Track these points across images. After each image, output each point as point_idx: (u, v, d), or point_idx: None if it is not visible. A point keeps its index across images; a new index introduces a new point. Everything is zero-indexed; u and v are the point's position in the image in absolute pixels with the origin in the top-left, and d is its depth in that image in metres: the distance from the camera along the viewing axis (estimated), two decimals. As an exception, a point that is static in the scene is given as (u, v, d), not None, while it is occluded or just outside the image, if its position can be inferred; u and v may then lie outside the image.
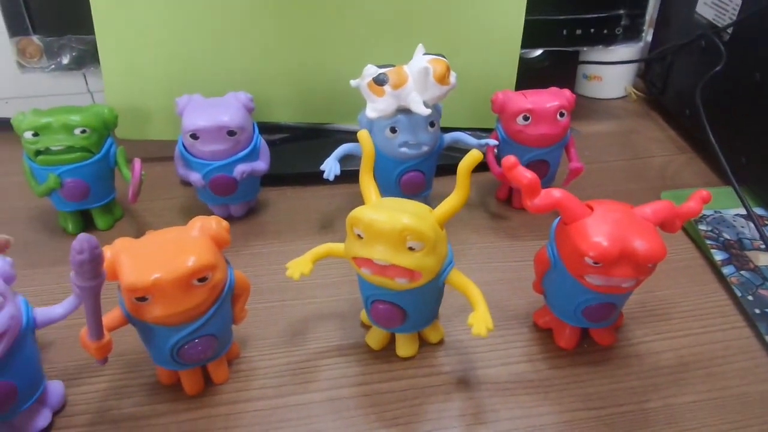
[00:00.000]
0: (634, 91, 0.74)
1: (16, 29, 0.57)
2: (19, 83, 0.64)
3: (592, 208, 0.34)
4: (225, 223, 0.33)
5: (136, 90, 0.57)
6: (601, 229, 0.33)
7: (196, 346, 0.32)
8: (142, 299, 0.30)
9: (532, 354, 0.38)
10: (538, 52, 0.67)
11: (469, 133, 0.52)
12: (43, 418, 0.34)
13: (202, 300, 0.31)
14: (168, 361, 0.33)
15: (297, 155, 0.59)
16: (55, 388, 0.35)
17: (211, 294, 0.31)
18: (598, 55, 0.71)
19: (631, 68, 0.74)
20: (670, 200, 0.35)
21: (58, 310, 0.32)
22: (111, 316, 0.31)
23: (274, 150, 0.51)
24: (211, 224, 0.32)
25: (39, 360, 0.33)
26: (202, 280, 0.30)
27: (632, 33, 0.63)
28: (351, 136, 0.51)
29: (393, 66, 0.46)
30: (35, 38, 0.57)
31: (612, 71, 0.73)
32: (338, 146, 0.49)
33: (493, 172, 0.52)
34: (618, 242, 0.32)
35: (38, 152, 0.45)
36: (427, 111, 0.44)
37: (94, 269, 0.27)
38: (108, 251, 0.30)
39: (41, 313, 0.32)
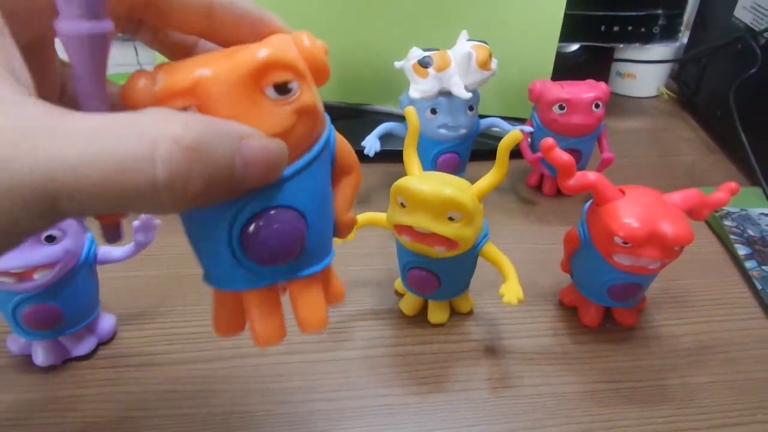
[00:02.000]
0: (667, 91, 0.75)
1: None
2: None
3: (623, 192, 0.36)
4: (321, 42, 0.20)
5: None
6: (631, 211, 0.34)
7: (271, 224, 0.19)
8: None
9: (557, 329, 0.40)
10: (575, 47, 0.69)
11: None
12: (87, 345, 0.37)
13: (283, 124, 0.18)
14: (227, 259, 0.19)
15: (336, 133, 0.61)
16: (106, 320, 0.38)
17: (300, 124, 0.19)
18: (634, 54, 0.73)
19: (665, 68, 0.75)
20: (698, 189, 0.37)
21: (116, 253, 0.36)
22: None
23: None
24: (302, 39, 0.19)
25: (93, 291, 0.36)
26: (280, 87, 0.18)
27: (669, 32, 0.64)
28: (389, 118, 0.53)
29: (437, 50, 0.48)
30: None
31: (646, 70, 0.74)
32: (377, 126, 0.51)
33: (526, 158, 0.53)
34: (647, 224, 0.34)
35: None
36: (468, 94, 0.46)
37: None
38: (141, 77, 0.18)
39: (103, 251, 0.36)
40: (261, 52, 0.18)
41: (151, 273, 0.44)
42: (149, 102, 0.17)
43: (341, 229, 0.23)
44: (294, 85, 0.18)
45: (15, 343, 0.36)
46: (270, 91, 0.18)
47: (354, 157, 0.23)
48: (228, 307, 0.21)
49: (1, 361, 0.37)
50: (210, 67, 0.18)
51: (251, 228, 0.19)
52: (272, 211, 0.19)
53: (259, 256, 0.19)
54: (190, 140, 0.15)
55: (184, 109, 0.17)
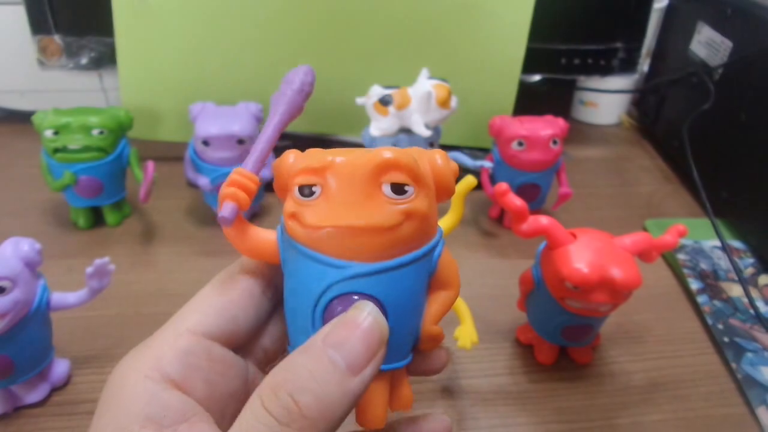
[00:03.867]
0: (628, 119, 0.77)
1: (38, 28, 0.59)
2: (38, 78, 0.66)
3: (575, 236, 0.37)
4: (453, 164, 0.22)
5: (150, 92, 0.60)
6: (582, 256, 0.35)
7: (348, 308, 0.20)
8: (308, 192, 0.20)
9: (513, 368, 0.41)
10: (538, 77, 0.70)
11: (467, 152, 0.55)
12: (40, 392, 0.36)
13: (389, 220, 0.19)
14: (308, 335, 0.20)
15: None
16: (60, 366, 0.38)
17: (406, 226, 0.20)
18: (595, 83, 0.74)
19: (627, 97, 0.77)
20: (648, 232, 0.38)
21: (70, 298, 0.36)
22: (260, 233, 0.22)
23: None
24: (435, 157, 0.22)
25: (46, 338, 0.36)
26: (396, 187, 0.20)
27: (628, 65, 0.66)
28: (354, 147, 0.53)
29: (398, 87, 0.48)
30: (56, 38, 0.60)
31: (608, 99, 0.76)
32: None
33: (487, 192, 0.54)
34: (597, 269, 0.35)
35: (56, 150, 0.48)
36: (428, 132, 0.47)
37: (308, 90, 0.23)
38: (291, 154, 0.21)
39: (56, 297, 0.35)
40: (386, 153, 0.20)
41: (109, 312, 0.44)
42: (290, 174, 0.21)
43: (425, 340, 0.22)
44: (409, 189, 0.20)
45: (-35, 391, 0.36)
46: (387, 189, 0.20)
47: (456, 276, 0.23)
48: None
49: (-50, 408, 0.36)
50: (343, 156, 0.20)
51: (331, 308, 0.20)
52: (355, 296, 0.20)
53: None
54: None
55: (310, 190, 0.20)
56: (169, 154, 0.61)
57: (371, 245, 0.20)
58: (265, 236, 0.22)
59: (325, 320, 0.20)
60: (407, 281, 0.21)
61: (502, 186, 0.37)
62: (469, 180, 0.36)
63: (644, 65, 0.76)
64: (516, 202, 0.36)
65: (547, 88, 0.70)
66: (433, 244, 0.21)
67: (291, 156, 0.21)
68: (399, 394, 0.23)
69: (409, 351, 0.22)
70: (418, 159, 0.21)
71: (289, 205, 0.20)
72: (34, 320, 0.34)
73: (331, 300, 0.20)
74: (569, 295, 0.36)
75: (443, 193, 0.21)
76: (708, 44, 0.62)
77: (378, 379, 0.21)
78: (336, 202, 0.19)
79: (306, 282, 0.20)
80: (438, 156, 0.21)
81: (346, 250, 0.20)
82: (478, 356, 0.42)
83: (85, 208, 0.52)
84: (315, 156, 0.20)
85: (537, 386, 0.40)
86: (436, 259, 0.21)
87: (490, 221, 0.57)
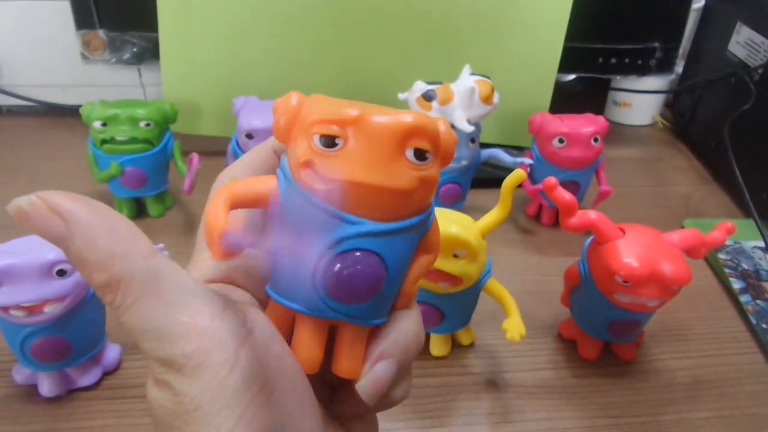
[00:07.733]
0: (662, 120, 0.77)
1: (83, 22, 0.60)
2: (78, 73, 0.67)
3: (623, 231, 0.37)
4: (455, 134, 0.21)
5: (192, 87, 0.60)
6: (632, 250, 0.35)
7: (358, 263, 0.20)
8: (330, 143, 0.19)
9: (556, 362, 0.41)
10: (572, 76, 0.70)
11: (504, 150, 0.55)
12: (93, 376, 0.37)
13: (406, 185, 0.19)
14: (304, 282, 0.20)
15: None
16: (111, 351, 0.38)
17: (418, 192, 0.20)
18: (630, 83, 0.74)
19: (661, 97, 0.77)
20: (697, 229, 0.38)
21: None
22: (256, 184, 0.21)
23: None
24: (440, 124, 0.21)
25: (101, 323, 0.37)
26: (419, 153, 0.19)
27: (665, 65, 0.66)
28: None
29: (441, 83, 0.49)
30: (100, 32, 0.61)
31: (642, 99, 0.75)
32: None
33: (525, 189, 0.54)
34: (647, 264, 0.35)
35: (104, 141, 0.49)
36: (471, 128, 0.47)
37: None
38: (295, 95, 0.20)
39: None
40: (410, 117, 0.19)
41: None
42: (304, 121, 0.19)
43: (402, 297, 0.22)
44: (429, 156, 0.20)
45: (20, 373, 0.37)
46: (410, 154, 0.19)
47: (439, 242, 0.23)
48: (276, 319, 0.21)
49: (5, 391, 0.37)
50: (368, 113, 0.19)
51: (338, 263, 0.19)
52: (357, 253, 0.20)
53: (337, 290, 0.20)
54: None
55: (334, 141, 0.19)
56: (209, 148, 0.61)
57: (386, 206, 0.20)
58: (261, 185, 0.20)
59: (326, 273, 0.19)
60: (407, 243, 0.21)
61: (551, 180, 0.37)
62: (518, 173, 0.36)
63: (678, 66, 0.76)
64: (565, 195, 0.37)
65: (581, 87, 0.70)
66: (430, 211, 0.21)
67: (294, 98, 0.20)
68: (351, 354, 0.21)
69: (388, 311, 0.22)
70: (436, 122, 0.20)
71: (305, 152, 0.19)
72: (91, 303, 0.35)
73: (337, 254, 0.19)
74: (618, 290, 0.36)
75: (445, 160, 0.21)
76: (747, 45, 0.62)
77: (363, 333, 0.21)
78: (360, 158, 0.19)
79: (314, 234, 0.20)
80: (441, 123, 0.21)
81: (362, 207, 0.19)
82: (521, 350, 0.42)
83: (129, 198, 0.53)
84: (332, 107, 0.19)
85: (581, 381, 0.40)
86: (430, 224, 0.22)
87: (527, 219, 0.57)
